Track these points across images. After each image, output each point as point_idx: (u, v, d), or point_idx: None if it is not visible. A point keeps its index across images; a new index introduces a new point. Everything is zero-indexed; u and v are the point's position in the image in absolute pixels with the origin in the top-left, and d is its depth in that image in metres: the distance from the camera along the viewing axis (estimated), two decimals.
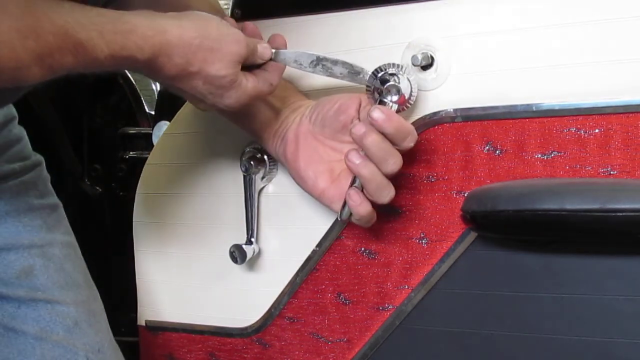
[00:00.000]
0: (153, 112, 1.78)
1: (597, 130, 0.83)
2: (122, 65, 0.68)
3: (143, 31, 0.66)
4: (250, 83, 0.76)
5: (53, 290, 0.84)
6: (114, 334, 0.93)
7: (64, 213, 0.94)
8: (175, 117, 1.09)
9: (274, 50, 0.80)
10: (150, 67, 0.69)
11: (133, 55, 0.66)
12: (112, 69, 0.68)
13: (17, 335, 0.81)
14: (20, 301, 0.82)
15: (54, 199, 0.93)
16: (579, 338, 0.86)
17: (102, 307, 0.92)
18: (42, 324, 0.82)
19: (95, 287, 0.92)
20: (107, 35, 0.63)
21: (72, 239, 0.92)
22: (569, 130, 0.84)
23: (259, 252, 1.03)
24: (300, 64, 0.81)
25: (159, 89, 1.83)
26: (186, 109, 1.07)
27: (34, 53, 0.58)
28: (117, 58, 0.65)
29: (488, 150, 0.88)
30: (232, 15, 1.01)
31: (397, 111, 0.81)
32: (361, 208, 0.80)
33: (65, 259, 0.88)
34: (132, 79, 1.84)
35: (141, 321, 1.16)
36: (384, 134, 0.78)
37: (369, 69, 0.83)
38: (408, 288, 0.95)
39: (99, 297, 0.92)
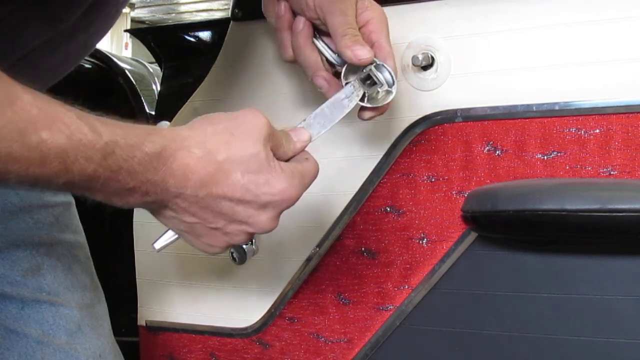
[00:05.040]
0: (153, 112, 1.78)
1: (597, 131, 0.83)
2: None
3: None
4: None
5: (58, 292, 0.83)
6: (115, 334, 0.93)
7: (76, 211, 0.93)
8: (176, 117, 1.09)
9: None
10: None
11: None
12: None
13: (18, 337, 0.80)
14: (24, 302, 0.81)
15: (68, 196, 0.91)
16: (579, 338, 0.86)
17: (106, 309, 0.91)
18: (45, 327, 0.82)
19: (101, 289, 0.91)
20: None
21: (82, 238, 0.91)
22: (569, 130, 0.84)
23: (259, 252, 1.03)
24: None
25: (159, 89, 1.83)
26: (186, 109, 1.07)
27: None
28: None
29: (488, 150, 0.88)
30: (232, 15, 1.01)
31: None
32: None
33: (73, 259, 0.86)
34: (132, 79, 1.84)
35: (141, 321, 1.16)
36: None
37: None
38: (408, 288, 0.95)
39: (104, 299, 0.91)
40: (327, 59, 0.79)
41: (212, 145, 0.60)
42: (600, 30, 0.82)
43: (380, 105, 0.76)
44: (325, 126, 0.72)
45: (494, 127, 0.87)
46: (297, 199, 0.64)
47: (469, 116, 0.88)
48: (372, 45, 0.75)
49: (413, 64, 0.89)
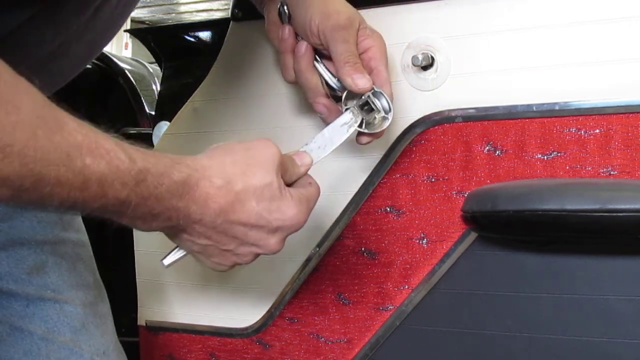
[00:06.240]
0: (153, 112, 1.78)
1: (597, 131, 0.83)
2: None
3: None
4: None
5: (62, 290, 0.84)
6: None
7: None
8: (176, 117, 1.09)
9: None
10: None
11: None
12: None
13: (23, 335, 0.82)
14: (29, 299, 0.82)
15: None
16: (579, 338, 0.86)
17: (109, 308, 0.92)
18: (50, 324, 0.83)
19: (103, 288, 0.92)
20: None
21: (85, 237, 0.92)
22: (569, 130, 0.84)
23: None
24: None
25: (159, 89, 1.83)
26: (186, 110, 1.07)
27: None
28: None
29: (488, 150, 0.88)
30: (232, 15, 1.01)
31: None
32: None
33: (76, 258, 0.88)
34: (132, 79, 1.84)
35: (141, 321, 1.16)
36: None
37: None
38: (408, 288, 0.95)
39: (107, 298, 0.92)
40: (327, 83, 0.83)
41: (230, 175, 0.65)
42: (600, 30, 0.82)
43: (377, 131, 0.80)
44: (326, 150, 0.77)
45: (493, 127, 0.87)
46: (305, 223, 0.70)
47: (469, 116, 0.88)
48: (370, 71, 0.80)
49: (413, 64, 0.89)
